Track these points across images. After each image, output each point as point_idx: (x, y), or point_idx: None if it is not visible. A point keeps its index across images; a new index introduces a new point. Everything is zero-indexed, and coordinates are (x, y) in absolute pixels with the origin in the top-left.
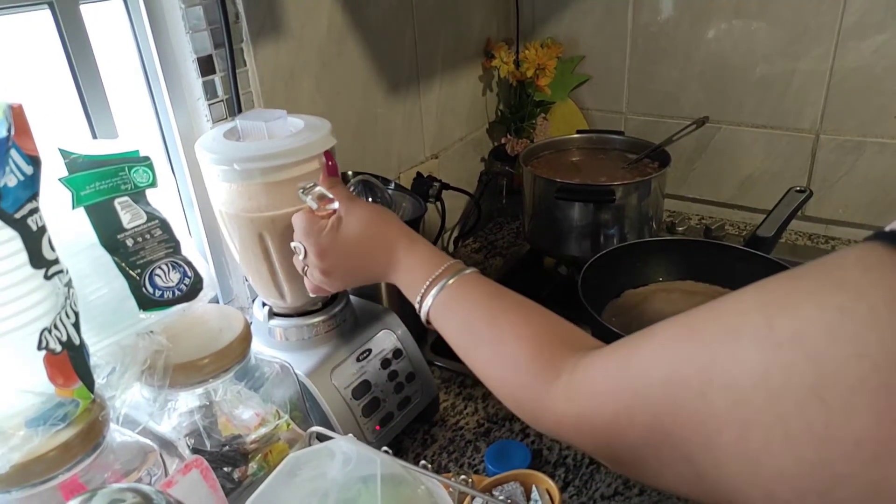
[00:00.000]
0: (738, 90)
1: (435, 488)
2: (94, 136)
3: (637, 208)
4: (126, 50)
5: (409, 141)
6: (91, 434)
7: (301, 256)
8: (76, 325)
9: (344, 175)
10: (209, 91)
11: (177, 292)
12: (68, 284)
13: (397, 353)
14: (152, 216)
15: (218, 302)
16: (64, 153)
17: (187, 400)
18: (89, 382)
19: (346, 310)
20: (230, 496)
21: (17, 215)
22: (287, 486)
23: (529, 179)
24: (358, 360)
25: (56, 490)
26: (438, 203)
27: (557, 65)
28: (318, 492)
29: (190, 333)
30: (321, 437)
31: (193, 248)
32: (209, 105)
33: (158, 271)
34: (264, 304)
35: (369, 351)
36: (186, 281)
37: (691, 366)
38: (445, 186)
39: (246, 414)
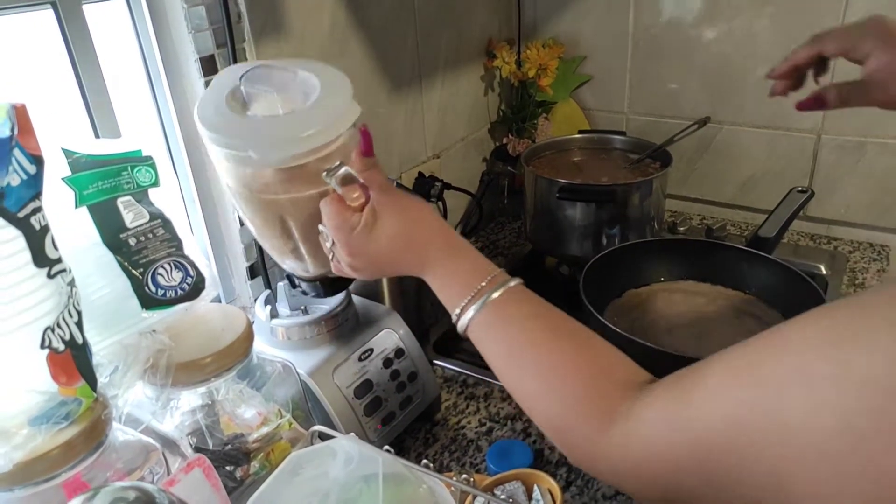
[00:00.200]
0: (739, 90)
1: (437, 487)
2: (97, 136)
3: (639, 208)
4: (129, 50)
5: (410, 141)
6: (94, 433)
7: (329, 244)
8: (79, 324)
9: None
10: None
11: (179, 291)
12: (71, 283)
13: (399, 352)
14: (155, 215)
15: (220, 301)
16: (67, 153)
17: (189, 399)
18: (92, 381)
19: (349, 309)
20: (232, 495)
21: (21, 214)
22: (289, 485)
23: (531, 179)
24: (360, 359)
25: (59, 488)
26: (440, 203)
27: (559, 65)
28: (320, 491)
29: (192, 333)
30: (323, 437)
31: (196, 247)
32: None
33: (161, 270)
34: (266, 304)
35: (371, 350)
36: (189, 280)
37: (757, 410)
38: (447, 186)
39: (248, 413)
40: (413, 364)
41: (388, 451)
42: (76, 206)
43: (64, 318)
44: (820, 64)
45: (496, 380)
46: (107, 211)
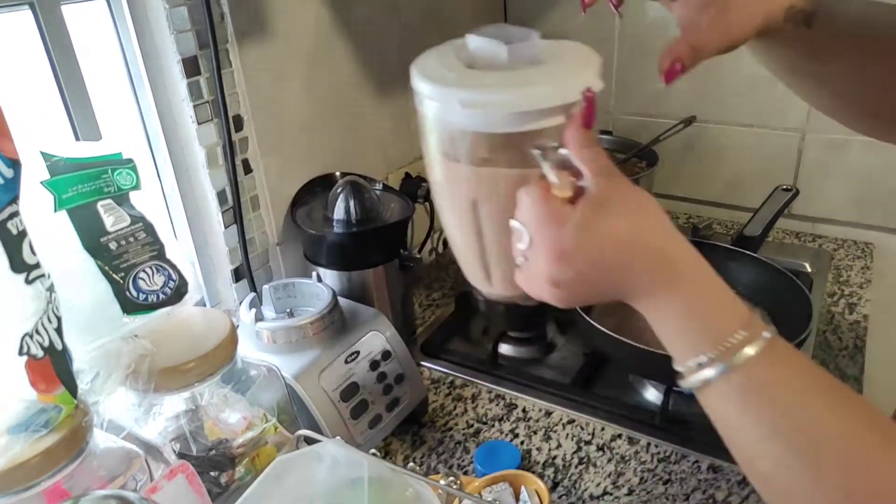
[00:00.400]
0: (724, 89)
1: (423, 491)
2: (77, 138)
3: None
4: (109, 51)
5: (397, 141)
6: (74, 440)
7: (522, 245)
8: (58, 330)
9: (331, 176)
10: (194, 92)
11: (161, 296)
12: (50, 289)
13: (386, 354)
14: (136, 219)
15: (205, 305)
16: (45, 156)
17: (173, 404)
18: (72, 388)
19: (335, 311)
20: (217, 501)
21: None
22: (274, 490)
23: None
24: (346, 362)
25: (40, 497)
26: (427, 203)
27: None
28: (305, 496)
29: (175, 337)
30: (309, 441)
31: (179, 251)
32: (194, 106)
33: (142, 274)
34: (251, 307)
35: (358, 353)
36: (171, 284)
37: None
38: None
39: (233, 418)
40: (400, 366)
41: (374, 454)
42: (55, 210)
43: (43, 324)
44: None
45: (483, 381)
46: (87, 215)
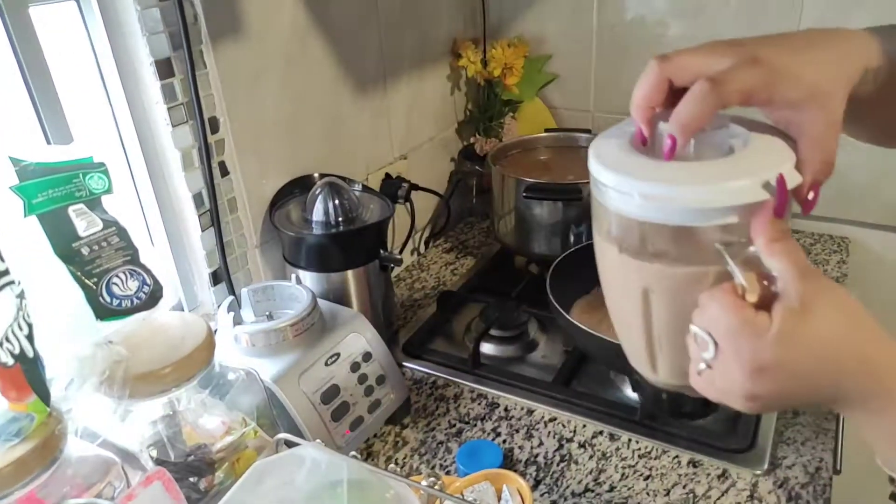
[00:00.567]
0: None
1: (404, 492)
2: (48, 142)
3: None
4: (80, 53)
5: (376, 142)
6: (47, 448)
7: (708, 354)
8: (30, 337)
9: (310, 177)
10: (168, 94)
11: (135, 301)
12: (20, 296)
13: (367, 356)
14: (109, 223)
15: (182, 309)
16: (14, 161)
17: (150, 410)
18: (44, 396)
19: (315, 314)
20: None
21: None
22: (253, 494)
23: (498, 179)
24: (326, 364)
25: None
26: (408, 204)
27: (525, 64)
28: (285, 500)
29: (151, 342)
30: (289, 444)
31: (154, 255)
32: (168, 109)
33: (116, 280)
34: (230, 310)
35: (338, 355)
36: (146, 289)
37: None
38: (414, 187)
39: (211, 423)
40: (381, 367)
41: (354, 456)
42: (25, 216)
43: (13, 332)
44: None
45: (465, 380)
46: (58, 220)
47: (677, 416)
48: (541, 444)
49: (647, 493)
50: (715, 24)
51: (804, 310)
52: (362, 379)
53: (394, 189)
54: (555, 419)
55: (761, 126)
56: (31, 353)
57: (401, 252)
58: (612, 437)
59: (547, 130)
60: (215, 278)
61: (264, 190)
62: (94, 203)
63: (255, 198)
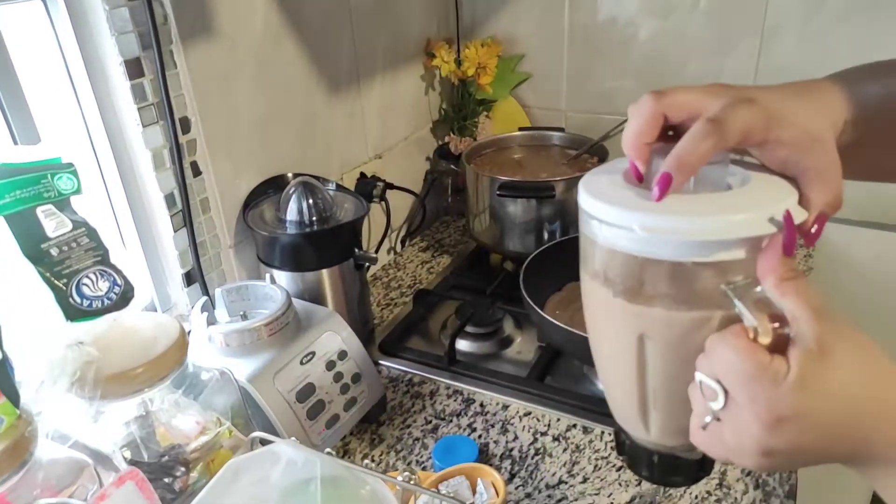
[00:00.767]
0: (671, 86)
1: (379, 488)
2: (15, 142)
3: (577, 203)
4: (48, 52)
5: (351, 141)
6: (17, 451)
7: (717, 404)
8: None
9: (283, 177)
10: (138, 94)
11: (106, 301)
12: None
13: (342, 354)
14: (78, 224)
15: (156, 310)
16: None
17: (122, 411)
18: (14, 398)
19: (289, 313)
20: None
21: None
22: (228, 491)
23: (473, 177)
24: (302, 363)
25: None
26: (383, 203)
27: (498, 63)
28: (259, 497)
29: (123, 343)
30: (264, 443)
31: (125, 255)
32: (138, 109)
33: (86, 280)
34: (203, 310)
35: (313, 353)
36: (116, 289)
37: None
38: (389, 186)
39: (185, 423)
40: (356, 365)
41: (329, 453)
42: None
43: None
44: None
45: (441, 377)
46: (26, 221)
47: (668, 484)
48: (516, 438)
49: (619, 484)
50: (685, 25)
51: (823, 353)
52: (338, 377)
53: (369, 188)
54: (529, 413)
55: (756, 166)
56: None
57: (377, 251)
58: (585, 430)
59: (521, 129)
60: (189, 279)
61: (237, 190)
62: (63, 204)
63: (228, 198)
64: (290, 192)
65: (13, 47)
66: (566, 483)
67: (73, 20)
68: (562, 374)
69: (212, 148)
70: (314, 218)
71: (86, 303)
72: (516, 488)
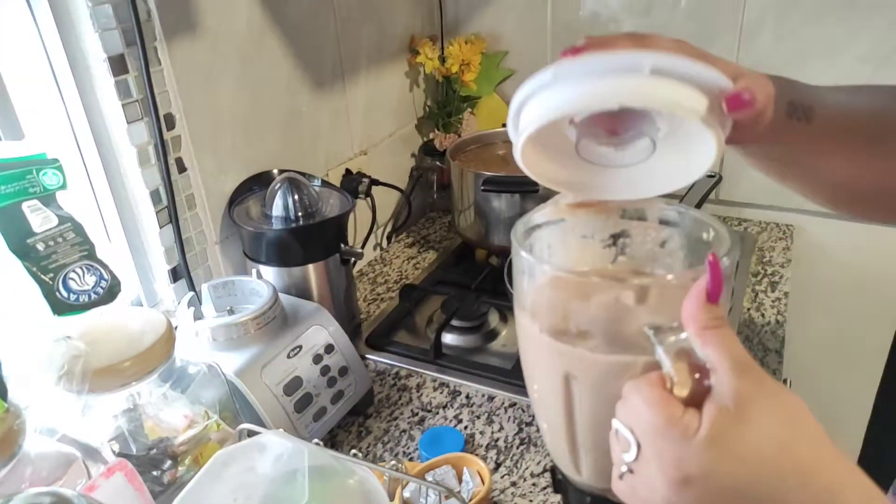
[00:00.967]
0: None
1: (367, 477)
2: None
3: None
4: (31, 49)
5: (336, 138)
6: (5, 445)
7: (629, 456)
8: None
9: (269, 173)
10: (122, 91)
11: (93, 295)
12: None
13: (329, 348)
14: (64, 219)
15: (142, 306)
16: None
17: (110, 404)
18: (2, 391)
19: (276, 307)
20: (160, 499)
21: None
22: (215, 482)
23: (457, 173)
24: (289, 356)
25: None
26: (368, 199)
27: (482, 60)
28: (247, 486)
29: (110, 337)
30: (252, 434)
31: (111, 250)
32: (123, 105)
33: (73, 275)
34: (190, 305)
35: (300, 347)
36: (103, 284)
37: None
38: (375, 182)
39: (173, 416)
40: (343, 359)
41: (316, 443)
42: None
43: None
44: None
45: (427, 370)
46: (11, 216)
47: None
48: (501, 428)
49: None
50: (665, 22)
51: (739, 411)
52: (325, 370)
53: (354, 184)
54: (514, 404)
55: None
56: None
57: (363, 247)
58: None
59: (505, 125)
60: (175, 275)
61: (223, 186)
62: (48, 199)
63: (213, 194)
64: (276, 187)
65: None
66: (549, 471)
67: (55, 16)
68: None
69: (197, 144)
70: (300, 213)
71: (73, 297)
72: (502, 477)
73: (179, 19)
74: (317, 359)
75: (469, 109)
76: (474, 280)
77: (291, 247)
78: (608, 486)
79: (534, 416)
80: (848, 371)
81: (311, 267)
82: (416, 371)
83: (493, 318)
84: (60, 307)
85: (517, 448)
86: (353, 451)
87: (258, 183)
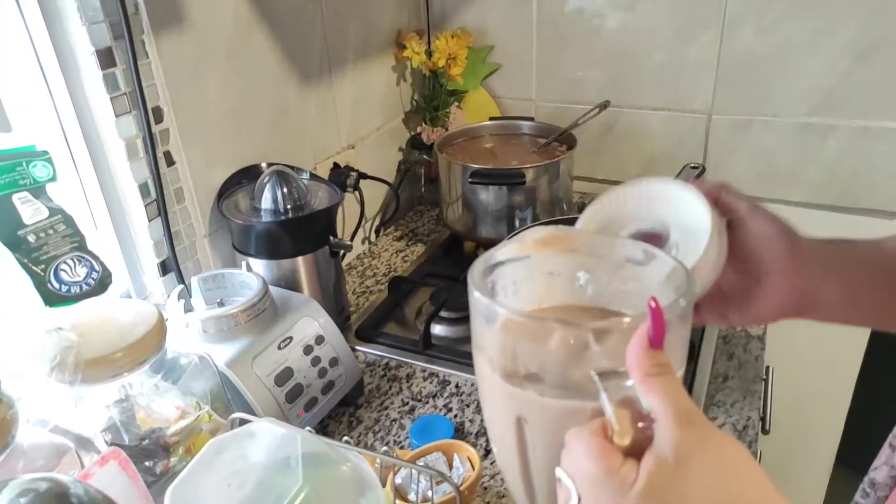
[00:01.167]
0: (638, 75)
1: (360, 463)
2: None
3: (548, 190)
4: (18, 41)
5: (323, 132)
6: None
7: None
8: None
9: (257, 166)
10: (110, 84)
11: (84, 287)
12: None
13: (319, 339)
14: (55, 211)
15: (130, 297)
16: None
17: (102, 395)
18: None
19: (266, 299)
20: (152, 489)
21: None
22: (209, 470)
23: (445, 166)
24: (279, 347)
25: None
26: (357, 193)
27: (469, 54)
28: (240, 473)
29: (102, 328)
30: (244, 423)
31: (102, 242)
32: (111, 99)
33: (64, 266)
34: (179, 298)
35: (291, 338)
36: (94, 275)
37: None
38: (363, 176)
39: (165, 407)
40: (333, 349)
41: (309, 431)
42: None
43: None
44: None
45: (417, 361)
46: (2, 208)
47: None
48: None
49: None
50: (649, 16)
51: (678, 464)
52: (315, 361)
53: (342, 178)
54: None
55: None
56: None
57: (351, 240)
58: None
59: (491, 119)
60: (164, 268)
61: (212, 179)
62: (38, 191)
63: (202, 187)
64: (265, 180)
65: None
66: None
67: (42, 10)
68: None
69: (185, 137)
70: (289, 206)
71: (64, 288)
72: (492, 463)
73: (167, 12)
74: (307, 350)
75: (456, 103)
76: (462, 272)
77: (281, 239)
78: None
79: None
80: (830, 357)
81: (300, 259)
82: (406, 362)
83: None
84: (52, 298)
85: None
86: (346, 438)
87: (247, 176)
